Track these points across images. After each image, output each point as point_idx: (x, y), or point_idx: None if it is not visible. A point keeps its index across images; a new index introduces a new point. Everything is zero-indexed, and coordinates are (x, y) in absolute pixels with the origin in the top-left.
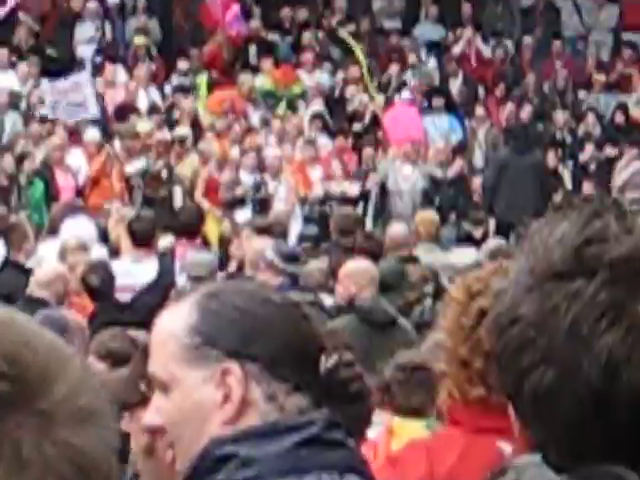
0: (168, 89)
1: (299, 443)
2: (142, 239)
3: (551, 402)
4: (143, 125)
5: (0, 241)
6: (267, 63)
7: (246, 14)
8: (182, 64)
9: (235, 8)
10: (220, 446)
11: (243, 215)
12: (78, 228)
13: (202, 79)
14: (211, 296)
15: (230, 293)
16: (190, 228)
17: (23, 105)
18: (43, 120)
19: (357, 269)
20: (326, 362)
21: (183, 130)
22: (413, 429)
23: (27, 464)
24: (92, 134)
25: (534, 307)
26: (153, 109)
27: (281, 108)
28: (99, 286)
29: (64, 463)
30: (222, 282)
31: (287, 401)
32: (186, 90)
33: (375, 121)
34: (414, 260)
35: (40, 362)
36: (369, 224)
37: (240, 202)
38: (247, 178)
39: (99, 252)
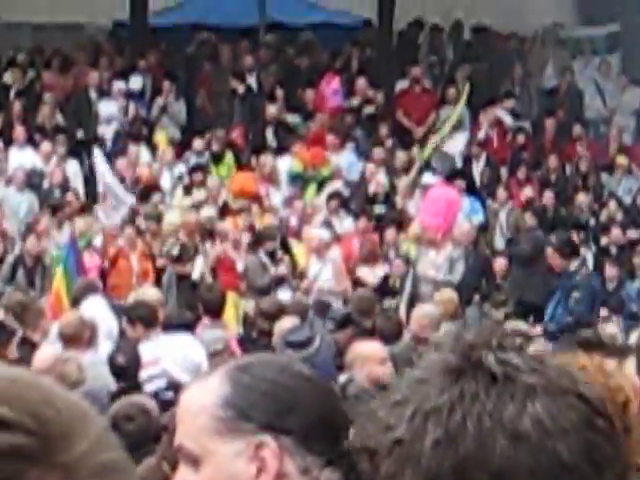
0: (183, 168)
1: None
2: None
3: None
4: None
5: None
6: (297, 145)
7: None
8: (198, 144)
9: (335, 83)
10: None
11: (284, 296)
12: (95, 309)
13: (228, 159)
14: (242, 369)
15: (260, 366)
16: (215, 307)
17: (45, 184)
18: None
19: (365, 351)
20: None
21: (210, 211)
22: None
23: None
24: (115, 218)
25: None
26: (172, 188)
27: (311, 189)
28: (125, 366)
29: None
30: (251, 356)
31: (321, 475)
32: (203, 170)
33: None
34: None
35: (62, 419)
36: (402, 308)
37: (271, 286)
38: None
39: (105, 345)
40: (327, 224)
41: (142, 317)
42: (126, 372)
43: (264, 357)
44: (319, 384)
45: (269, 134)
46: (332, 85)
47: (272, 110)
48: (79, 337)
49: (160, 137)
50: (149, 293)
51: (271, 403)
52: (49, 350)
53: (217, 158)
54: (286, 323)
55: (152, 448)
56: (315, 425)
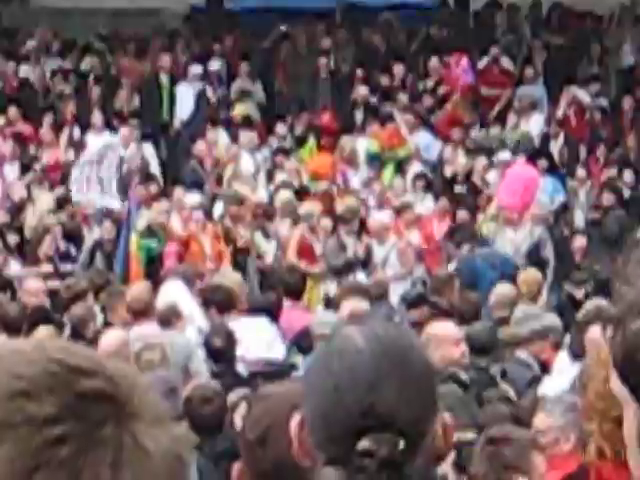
0: (267, 152)
1: None
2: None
3: None
4: (244, 188)
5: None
6: (374, 126)
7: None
8: (281, 128)
9: (464, 61)
10: None
11: (362, 278)
12: (174, 293)
13: (310, 142)
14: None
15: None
16: (296, 289)
17: (123, 169)
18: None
19: (440, 331)
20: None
21: (286, 194)
22: None
23: (125, 465)
24: (193, 198)
25: None
26: (255, 172)
27: (389, 170)
28: (221, 348)
29: (158, 460)
30: None
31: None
32: (286, 153)
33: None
34: (508, 322)
35: (126, 372)
36: None
37: (348, 267)
38: (350, 242)
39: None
40: (410, 205)
41: (218, 301)
42: (223, 354)
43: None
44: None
45: (355, 116)
46: (461, 64)
47: (361, 91)
48: (147, 310)
49: (238, 120)
50: (229, 276)
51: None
52: (118, 333)
53: (300, 141)
54: (353, 304)
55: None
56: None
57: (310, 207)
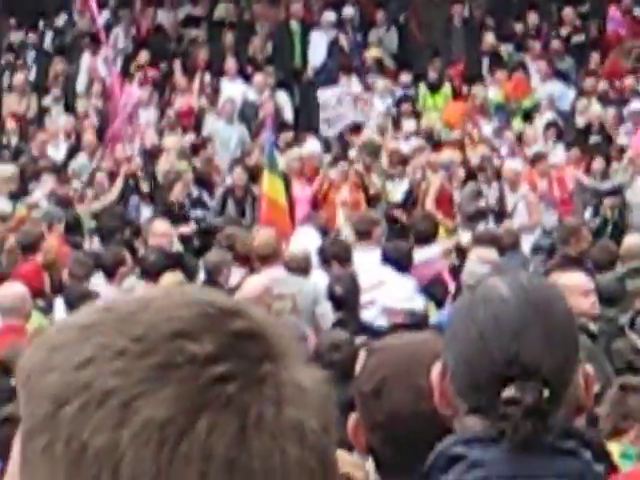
0: (391, 100)
1: (524, 449)
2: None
3: None
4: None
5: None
6: (500, 75)
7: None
8: (405, 76)
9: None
10: (452, 447)
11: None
12: (307, 239)
13: (445, 89)
14: None
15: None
16: (426, 236)
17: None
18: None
19: (570, 281)
20: (509, 391)
21: (419, 141)
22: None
23: (286, 401)
24: (312, 145)
25: None
26: (385, 119)
27: (517, 121)
28: (344, 295)
29: (315, 397)
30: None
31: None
32: (407, 102)
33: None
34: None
35: (266, 316)
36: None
37: (481, 214)
38: (485, 190)
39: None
40: (543, 154)
41: (335, 255)
42: (345, 302)
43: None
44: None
45: (484, 64)
46: (613, 15)
47: (489, 39)
48: (273, 255)
49: (371, 67)
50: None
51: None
52: (260, 279)
53: (434, 88)
54: (481, 252)
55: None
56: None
57: (449, 155)
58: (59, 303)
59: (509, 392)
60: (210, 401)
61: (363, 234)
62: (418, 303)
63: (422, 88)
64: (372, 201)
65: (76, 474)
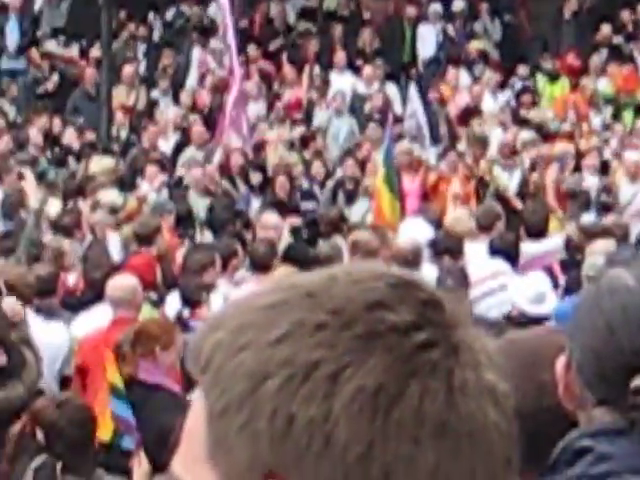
0: (509, 92)
1: None
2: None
3: None
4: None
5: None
6: (613, 67)
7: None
8: (522, 69)
9: None
10: (578, 440)
11: (587, 218)
12: (416, 230)
13: (562, 80)
14: None
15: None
16: (537, 229)
17: (366, 108)
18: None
19: None
20: (638, 380)
21: (530, 133)
22: None
23: (483, 365)
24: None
25: None
26: (500, 112)
27: (628, 113)
28: (454, 289)
29: (497, 363)
30: None
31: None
32: (531, 93)
33: None
34: None
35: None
36: None
37: (586, 206)
38: (591, 180)
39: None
40: None
41: (448, 248)
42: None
43: None
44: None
45: (596, 56)
46: None
47: (605, 31)
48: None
49: (474, 56)
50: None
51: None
52: None
53: (552, 79)
54: (601, 244)
55: None
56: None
57: (563, 147)
58: (173, 296)
59: (638, 382)
60: (417, 368)
61: (485, 227)
62: (549, 304)
63: (540, 79)
64: (482, 192)
65: (282, 447)
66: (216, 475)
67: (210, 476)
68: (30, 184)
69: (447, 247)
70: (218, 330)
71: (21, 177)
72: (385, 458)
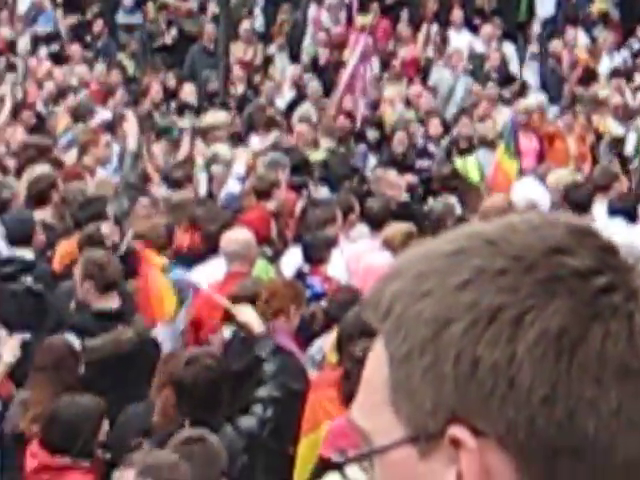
0: (626, 53)
1: None
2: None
3: None
4: (603, 92)
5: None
6: None
7: None
8: None
9: None
10: None
11: None
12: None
13: None
14: None
15: None
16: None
17: (484, 67)
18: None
19: None
20: None
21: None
22: None
23: None
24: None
25: None
26: (614, 74)
27: None
28: None
29: None
30: None
31: None
32: None
33: None
34: None
35: None
36: None
37: None
38: None
39: None
40: None
41: (577, 203)
42: None
43: None
44: None
45: None
46: None
47: None
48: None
49: (595, 17)
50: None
51: None
52: None
53: None
54: None
55: None
56: None
57: None
58: (294, 251)
59: None
60: (599, 311)
61: (602, 187)
62: None
63: None
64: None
65: (466, 390)
66: (399, 419)
67: (392, 420)
68: (131, 125)
69: (577, 201)
70: (397, 279)
71: (123, 118)
72: (569, 400)
